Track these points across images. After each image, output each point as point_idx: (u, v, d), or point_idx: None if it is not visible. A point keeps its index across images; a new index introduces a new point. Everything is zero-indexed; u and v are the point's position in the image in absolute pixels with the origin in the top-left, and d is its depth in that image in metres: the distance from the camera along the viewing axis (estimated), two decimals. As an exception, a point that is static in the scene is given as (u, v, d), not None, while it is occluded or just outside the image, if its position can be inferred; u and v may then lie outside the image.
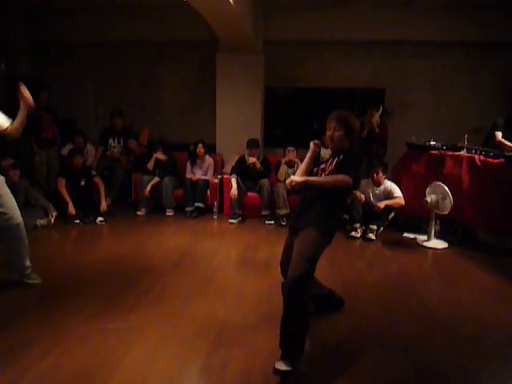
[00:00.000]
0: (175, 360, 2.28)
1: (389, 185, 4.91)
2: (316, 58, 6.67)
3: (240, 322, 2.72)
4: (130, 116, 6.58)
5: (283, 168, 5.42)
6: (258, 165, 5.49)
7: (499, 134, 4.78)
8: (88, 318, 2.72)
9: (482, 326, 2.78)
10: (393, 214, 4.91)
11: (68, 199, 5.15)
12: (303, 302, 2.19)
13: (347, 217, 5.11)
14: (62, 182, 5.23)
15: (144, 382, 2.08)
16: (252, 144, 5.54)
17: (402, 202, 4.82)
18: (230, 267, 3.84)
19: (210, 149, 6.07)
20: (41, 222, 4.82)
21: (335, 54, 6.62)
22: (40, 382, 2.07)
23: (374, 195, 4.93)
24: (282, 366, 2.13)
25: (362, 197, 4.80)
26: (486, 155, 4.43)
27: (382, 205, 4.76)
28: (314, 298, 2.55)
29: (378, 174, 4.87)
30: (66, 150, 5.79)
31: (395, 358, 2.36)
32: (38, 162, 5.85)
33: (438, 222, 4.73)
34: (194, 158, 5.87)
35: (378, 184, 4.91)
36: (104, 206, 5.34)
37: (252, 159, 5.46)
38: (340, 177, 2.29)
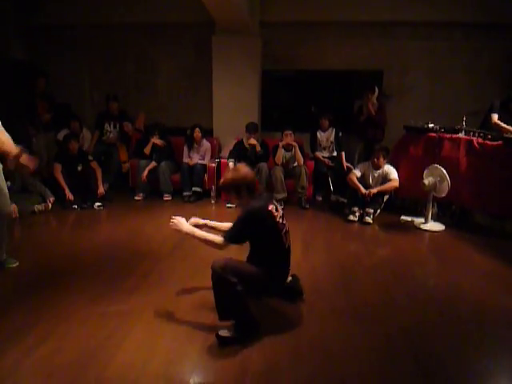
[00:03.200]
0: (174, 342, 2.31)
1: (386, 168, 4.90)
2: (313, 40, 6.57)
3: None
4: (125, 100, 6.50)
5: (281, 152, 5.40)
6: (259, 147, 5.45)
7: (495, 116, 4.78)
8: (87, 301, 2.74)
9: (479, 308, 2.81)
10: (387, 196, 4.92)
11: (64, 185, 5.12)
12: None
13: (345, 200, 5.13)
14: (57, 168, 5.20)
15: (144, 365, 2.10)
16: (252, 128, 5.47)
17: (396, 184, 4.81)
18: (228, 250, 3.84)
19: (207, 133, 6.02)
20: (38, 207, 4.80)
21: (333, 35, 6.53)
22: (40, 365, 2.08)
23: (373, 178, 4.93)
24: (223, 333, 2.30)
25: (362, 189, 4.80)
26: (484, 137, 4.43)
27: (374, 190, 4.76)
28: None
29: (379, 158, 4.86)
30: (61, 135, 5.73)
31: (392, 341, 2.38)
32: (37, 148, 5.78)
33: (436, 204, 4.74)
34: (191, 143, 5.83)
35: (377, 168, 4.91)
36: (101, 190, 5.33)
37: (252, 140, 5.42)
38: (212, 237, 2.54)
